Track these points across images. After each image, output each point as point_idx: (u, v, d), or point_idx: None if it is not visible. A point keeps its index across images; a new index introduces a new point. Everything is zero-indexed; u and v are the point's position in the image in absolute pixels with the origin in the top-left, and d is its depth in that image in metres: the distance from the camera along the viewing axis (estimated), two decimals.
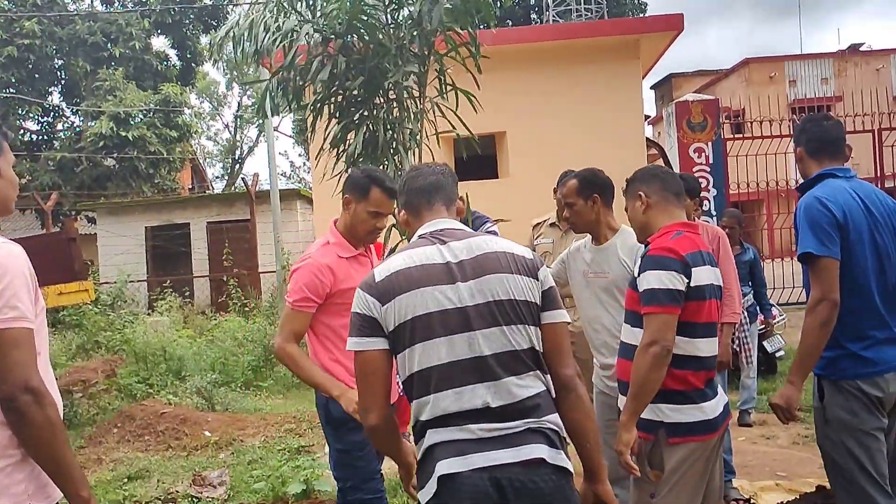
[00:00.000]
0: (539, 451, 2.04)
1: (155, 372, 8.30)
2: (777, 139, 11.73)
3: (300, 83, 3.53)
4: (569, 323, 2.36)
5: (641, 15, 34.74)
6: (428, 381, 2.09)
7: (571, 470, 2.11)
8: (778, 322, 7.69)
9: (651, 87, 39.61)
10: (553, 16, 33.38)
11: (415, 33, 3.57)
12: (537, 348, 2.14)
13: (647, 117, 12.74)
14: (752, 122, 12.34)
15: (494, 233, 4.16)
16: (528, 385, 2.10)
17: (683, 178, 4.77)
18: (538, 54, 8.17)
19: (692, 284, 2.68)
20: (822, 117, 3.20)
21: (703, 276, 2.72)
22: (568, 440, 2.17)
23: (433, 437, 2.09)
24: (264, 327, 10.12)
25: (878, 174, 12.55)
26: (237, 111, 35.95)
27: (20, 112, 20.86)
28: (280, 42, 3.42)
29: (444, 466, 2.03)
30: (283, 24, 3.42)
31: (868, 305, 2.95)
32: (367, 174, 3.07)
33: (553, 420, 2.11)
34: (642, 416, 2.74)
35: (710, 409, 2.75)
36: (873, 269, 2.95)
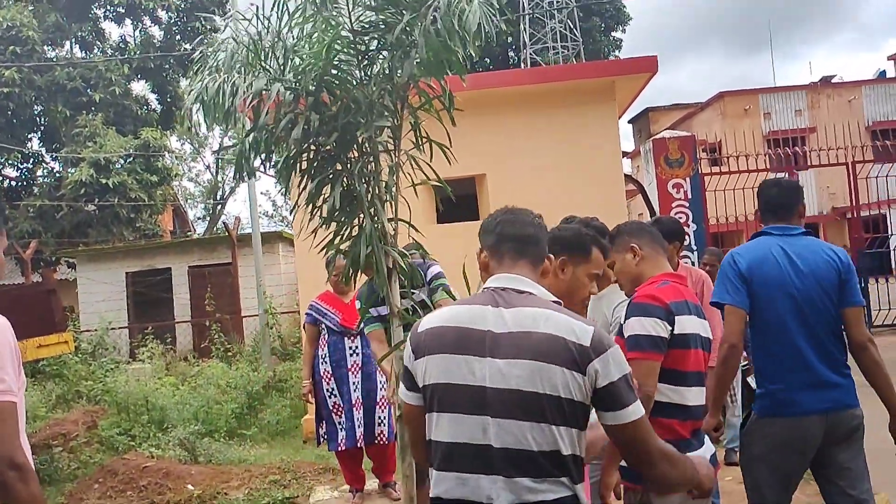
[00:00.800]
0: None
1: (137, 423, 8.19)
2: (754, 173, 11.90)
3: (272, 142, 3.52)
4: None
5: (617, 52, 35.25)
6: (437, 453, 1.96)
7: None
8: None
9: (629, 122, 40.10)
10: (530, 54, 33.82)
11: (387, 87, 3.59)
12: (566, 452, 1.86)
13: (625, 153, 12.87)
14: (728, 157, 12.52)
15: (439, 276, 4.23)
16: (546, 490, 1.86)
17: (661, 220, 4.84)
18: (515, 97, 8.25)
19: (676, 332, 2.71)
20: (773, 184, 3.54)
21: (688, 324, 2.76)
22: None
23: None
24: (247, 373, 10.04)
25: (854, 204, 12.73)
26: (218, 152, 35.96)
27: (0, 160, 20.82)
28: (250, 102, 3.41)
29: None
30: (253, 83, 3.40)
31: (788, 350, 3.23)
32: (585, 231, 2.71)
33: None
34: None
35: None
36: (793, 317, 3.22)
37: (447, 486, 1.92)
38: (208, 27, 22.75)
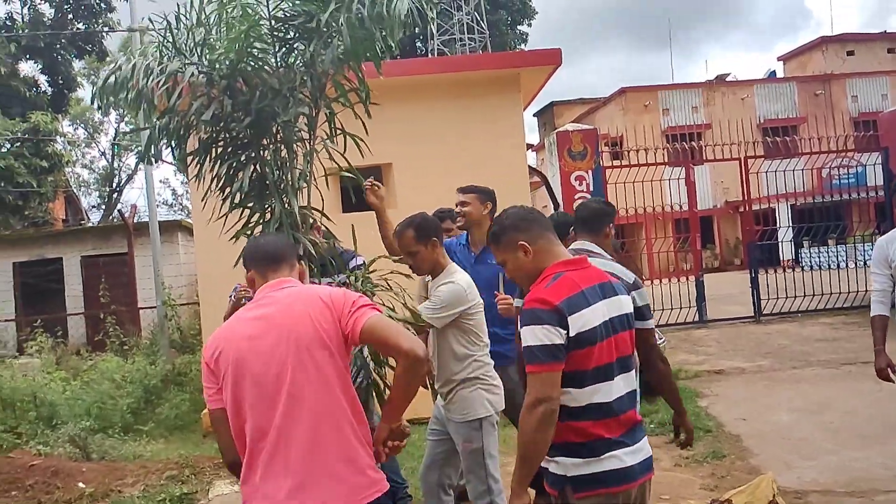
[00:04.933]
0: None
1: (24, 420, 7.78)
2: (653, 166, 12.26)
3: (183, 127, 3.41)
4: None
5: (523, 45, 35.70)
6: None
7: None
8: (659, 344, 7.91)
9: (534, 115, 40.77)
10: (438, 45, 33.88)
11: (305, 78, 3.53)
12: None
13: (530, 145, 13.05)
14: (629, 151, 12.87)
15: (360, 266, 4.08)
16: None
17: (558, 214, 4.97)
18: (422, 86, 8.22)
19: (573, 333, 2.48)
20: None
21: (589, 318, 2.52)
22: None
23: None
24: (144, 367, 9.70)
25: (745, 198, 13.28)
26: (114, 138, 34.60)
27: None
28: (163, 85, 3.30)
29: None
30: (167, 66, 3.31)
31: None
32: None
33: None
34: (550, 471, 2.58)
35: (624, 457, 2.54)
36: None
37: None
38: (104, 6, 21.83)
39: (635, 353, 2.77)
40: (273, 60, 3.56)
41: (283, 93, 3.46)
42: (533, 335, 2.48)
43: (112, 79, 3.38)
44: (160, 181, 39.44)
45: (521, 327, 2.57)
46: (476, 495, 3.82)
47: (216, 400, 2.53)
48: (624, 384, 2.61)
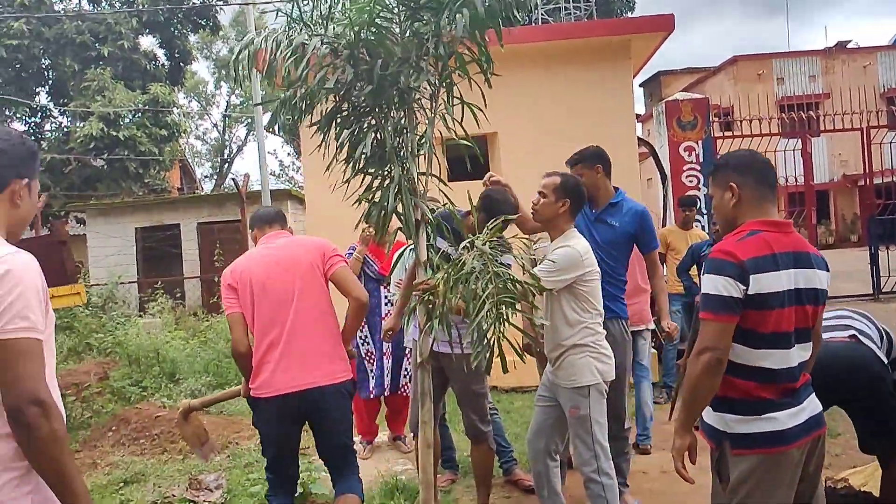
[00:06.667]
0: None
1: (148, 374, 8.27)
2: (766, 137, 11.83)
3: (308, 97, 3.52)
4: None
5: (630, 13, 34.76)
6: None
7: None
8: None
9: (640, 85, 39.76)
10: (542, 14, 33.41)
11: (431, 47, 3.57)
12: None
13: (636, 116, 12.79)
14: (741, 121, 12.44)
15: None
16: None
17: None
18: (529, 54, 8.16)
19: (752, 292, 2.48)
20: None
21: (773, 282, 2.51)
22: None
23: None
24: None
25: (867, 171, 12.66)
26: (226, 110, 35.88)
27: (7, 113, 20.74)
28: (291, 57, 3.43)
29: None
30: (294, 38, 3.43)
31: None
32: None
33: None
34: (711, 423, 2.65)
35: (784, 419, 2.54)
36: None
37: None
38: None
39: (818, 326, 2.73)
40: (397, 29, 3.61)
41: (411, 61, 3.51)
42: (712, 284, 2.53)
43: (245, 53, 3.52)
44: (269, 152, 40.70)
45: (704, 274, 2.62)
46: (582, 462, 3.84)
47: (235, 305, 3.67)
48: (798, 354, 2.60)
